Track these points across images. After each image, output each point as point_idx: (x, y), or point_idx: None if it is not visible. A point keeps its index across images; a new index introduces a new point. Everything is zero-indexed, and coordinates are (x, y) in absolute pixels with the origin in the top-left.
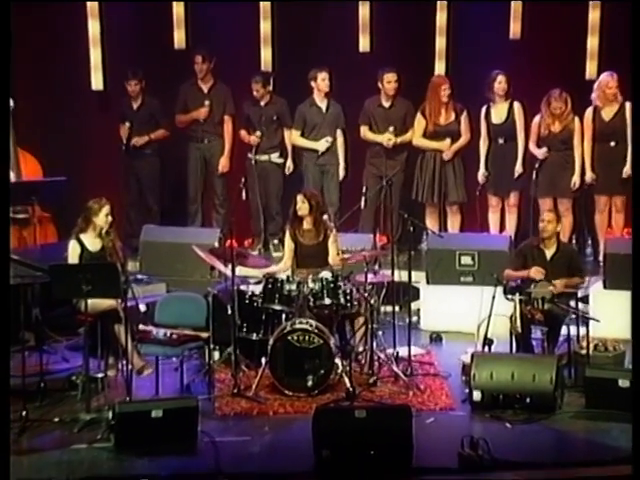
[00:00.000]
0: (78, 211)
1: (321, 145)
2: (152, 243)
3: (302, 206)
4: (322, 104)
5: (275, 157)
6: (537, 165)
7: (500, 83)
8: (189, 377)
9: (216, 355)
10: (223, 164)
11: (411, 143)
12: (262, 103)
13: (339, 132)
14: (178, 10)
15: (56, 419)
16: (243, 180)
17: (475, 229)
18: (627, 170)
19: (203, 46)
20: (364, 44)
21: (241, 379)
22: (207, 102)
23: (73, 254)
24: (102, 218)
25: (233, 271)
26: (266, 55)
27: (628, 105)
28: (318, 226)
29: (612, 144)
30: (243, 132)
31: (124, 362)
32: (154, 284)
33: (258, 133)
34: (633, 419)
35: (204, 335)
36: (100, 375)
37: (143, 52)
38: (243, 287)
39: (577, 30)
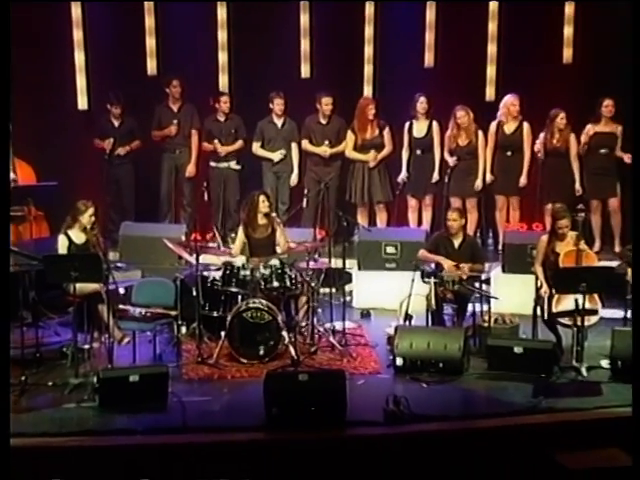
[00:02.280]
0: (67, 210)
1: (276, 156)
2: (129, 237)
3: (264, 204)
4: (278, 121)
5: (233, 164)
6: (449, 171)
7: (422, 103)
8: (161, 348)
9: (183, 329)
10: (190, 170)
11: (344, 153)
12: (222, 119)
13: (293, 145)
14: (150, 42)
15: (50, 383)
16: (205, 184)
17: (398, 224)
18: (523, 180)
19: (175, 72)
20: (305, 71)
21: (204, 349)
22: (175, 121)
23: (62, 246)
24: (87, 217)
25: (197, 259)
26: (223, 80)
27: (526, 124)
28: (270, 221)
29: (509, 154)
30: (206, 144)
31: (106, 336)
32: (131, 271)
33: (217, 143)
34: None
35: (173, 313)
36: (87, 346)
37: (121, 78)
38: (206, 273)
39: (479, 60)
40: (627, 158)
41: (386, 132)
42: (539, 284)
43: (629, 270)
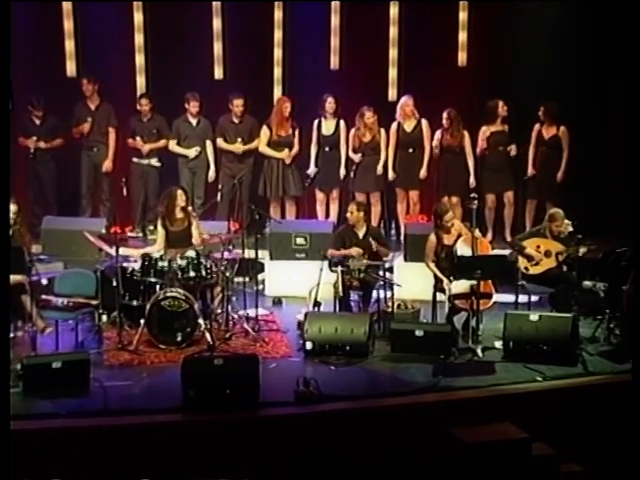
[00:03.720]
0: None
1: (191, 153)
2: (51, 230)
3: (181, 199)
4: (193, 120)
5: (154, 161)
6: (354, 167)
7: (330, 103)
8: (83, 336)
9: (104, 318)
10: (107, 166)
11: (257, 151)
12: (145, 119)
13: (208, 143)
14: (69, 44)
15: None
16: (124, 179)
17: (307, 217)
18: (423, 173)
19: (93, 74)
20: (218, 73)
21: (124, 336)
22: (89, 119)
23: None
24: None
25: (117, 251)
26: (141, 81)
27: (424, 121)
28: (186, 215)
29: (410, 151)
30: (131, 140)
31: (30, 325)
32: (53, 263)
33: (139, 141)
34: None
35: (94, 302)
36: (11, 335)
37: (41, 79)
38: (125, 264)
39: (381, 62)
40: (513, 150)
41: (297, 132)
42: (446, 283)
43: (520, 258)
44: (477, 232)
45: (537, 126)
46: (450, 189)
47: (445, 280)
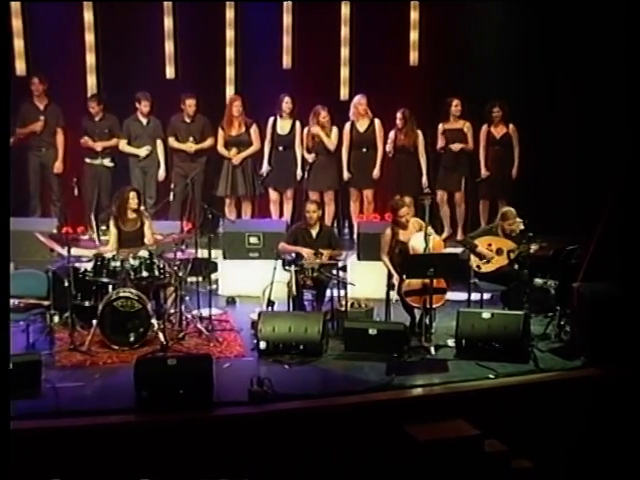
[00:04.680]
0: None
1: (142, 152)
2: None
3: (133, 201)
4: (143, 119)
5: (107, 162)
6: (308, 167)
7: (287, 103)
8: (34, 337)
9: (56, 319)
10: (57, 167)
11: (209, 150)
12: (97, 118)
13: (159, 142)
14: (19, 43)
15: None
16: (75, 179)
17: (260, 216)
18: (376, 173)
19: (39, 71)
20: (170, 72)
21: (77, 337)
22: (42, 117)
23: None
24: None
25: (69, 252)
26: (92, 81)
27: (377, 121)
28: (138, 215)
29: (364, 150)
30: (83, 140)
31: None
32: None
33: (89, 140)
34: None
35: (46, 303)
36: None
37: None
38: (77, 264)
39: (333, 61)
40: (454, 147)
41: (253, 130)
42: (395, 278)
43: (472, 256)
44: (430, 229)
45: (485, 127)
46: (403, 189)
47: (395, 276)
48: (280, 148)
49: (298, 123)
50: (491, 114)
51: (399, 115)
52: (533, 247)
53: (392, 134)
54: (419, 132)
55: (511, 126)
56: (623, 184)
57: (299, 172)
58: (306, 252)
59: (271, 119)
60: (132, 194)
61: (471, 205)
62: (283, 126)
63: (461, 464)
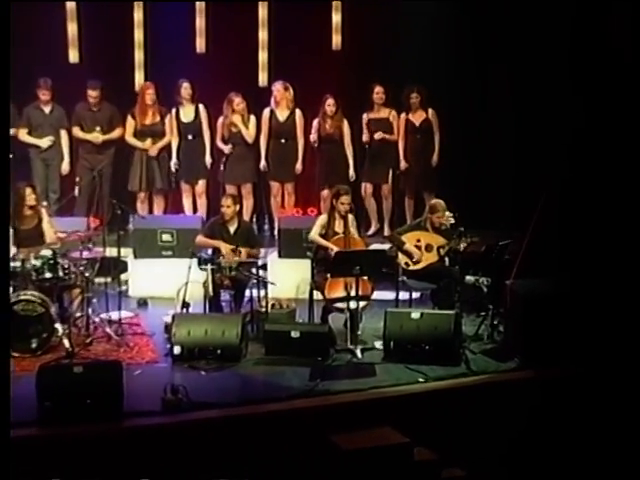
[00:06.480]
0: None
1: (44, 143)
2: None
3: (30, 198)
4: (46, 108)
5: None
6: (224, 159)
7: (186, 89)
8: None
9: None
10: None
11: (118, 141)
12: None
13: (63, 132)
14: None
15: None
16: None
17: (175, 212)
18: (298, 167)
19: None
20: (74, 56)
21: None
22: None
23: None
24: None
25: None
26: None
27: (298, 111)
28: (35, 212)
29: (283, 141)
30: None
31: None
32: None
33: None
34: None
35: None
36: None
37: None
38: None
39: (251, 46)
40: (377, 136)
41: (167, 119)
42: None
43: (399, 253)
44: (352, 229)
45: (403, 115)
46: (331, 181)
47: (331, 245)
48: (189, 137)
49: (202, 108)
50: (409, 100)
51: (330, 102)
52: (463, 243)
53: (316, 123)
54: (345, 121)
55: (430, 111)
56: (559, 176)
57: (208, 160)
58: (225, 247)
59: (174, 109)
60: (28, 190)
61: (398, 199)
62: (186, 113)
63: (389, 474)
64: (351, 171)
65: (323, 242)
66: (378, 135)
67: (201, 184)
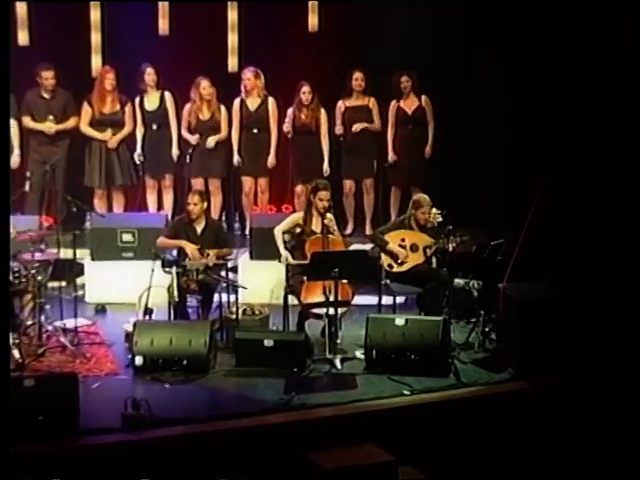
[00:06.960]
0: None
1: None
2: None
3: None
4: None
5: None
6: (190, 150)
7: (150, 75)
8: None
9: None
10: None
11: (73, 131)
12: None
13: (12, 122)
14: None
15: None
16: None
17: (138, 209)
18: (271, 160)
19: None
20: (23, 38)
21: None
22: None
23: None
24: None
25: None
26: None
27: (271, 100)
28: None
29: (255, 131)
30: None
31: None
32: None
33: None
34: None
35: None
36: None
37: None
38: None
39: (219, 28)
40: (355, 128)
41: (128, 108)
42: (283, 258)
43: (382, 254)
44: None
45: (393, 103)
46: (306, 176)
47: (284, 254)
48: (154, 127)
49: (168, 95)
50: (399, 85)
51: (305, 89)
52: (452, 242)
53: (290, 112)
54: (322, 110)
55: (424, 97)
56: (556, 168)
57: (175, 152)
58: (190, 248)
59: (137, 97)
60: None
61: (382, 195)
62: (151, 101)
63: None
64: (325, 165)
65: (281, 242)
66: (357, 127)
67: (168, 178)
